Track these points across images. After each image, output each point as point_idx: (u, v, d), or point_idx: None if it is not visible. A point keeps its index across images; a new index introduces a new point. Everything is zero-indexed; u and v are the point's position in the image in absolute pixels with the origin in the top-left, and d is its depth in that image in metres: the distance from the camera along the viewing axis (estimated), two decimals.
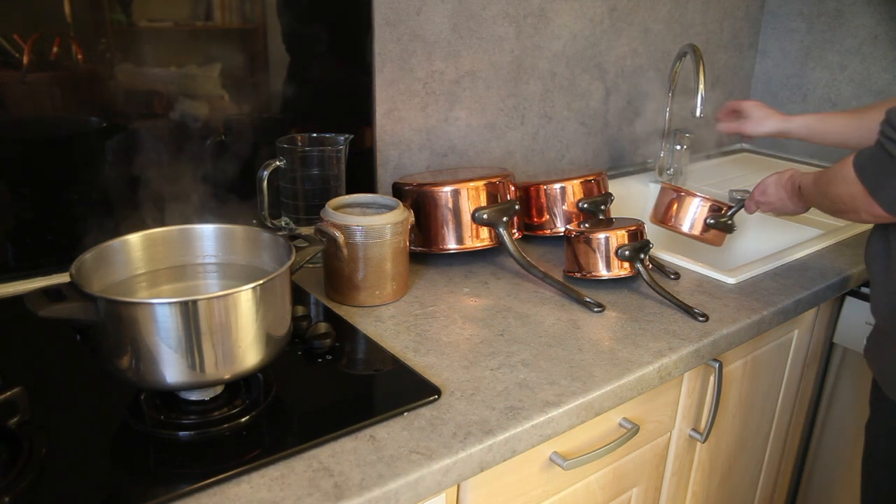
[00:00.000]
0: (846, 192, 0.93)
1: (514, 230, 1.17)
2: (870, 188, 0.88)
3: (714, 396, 1.05)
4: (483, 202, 1.12)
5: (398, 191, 1.16)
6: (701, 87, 1.41)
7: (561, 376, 0.85)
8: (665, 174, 1.67)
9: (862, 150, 0.91)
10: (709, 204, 1.27)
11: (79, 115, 1.03)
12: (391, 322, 0.97)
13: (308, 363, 0.86)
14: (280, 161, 1.10)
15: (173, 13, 1.07)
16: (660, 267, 1.17)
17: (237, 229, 0.85)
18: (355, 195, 1.08)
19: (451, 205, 1.12)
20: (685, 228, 1.29)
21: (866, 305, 1.29)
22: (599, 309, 1.03)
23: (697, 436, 1.09)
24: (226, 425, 0.72)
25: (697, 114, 1.42)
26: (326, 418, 0.75)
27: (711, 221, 1.27)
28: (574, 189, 1.25)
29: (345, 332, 0.93)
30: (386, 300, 1.03)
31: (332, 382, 0.83)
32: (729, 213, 1.28)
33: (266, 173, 1.08)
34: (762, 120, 1.36)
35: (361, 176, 1.30)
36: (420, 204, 1.13)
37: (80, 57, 1.00)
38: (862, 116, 1.22)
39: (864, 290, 1.29)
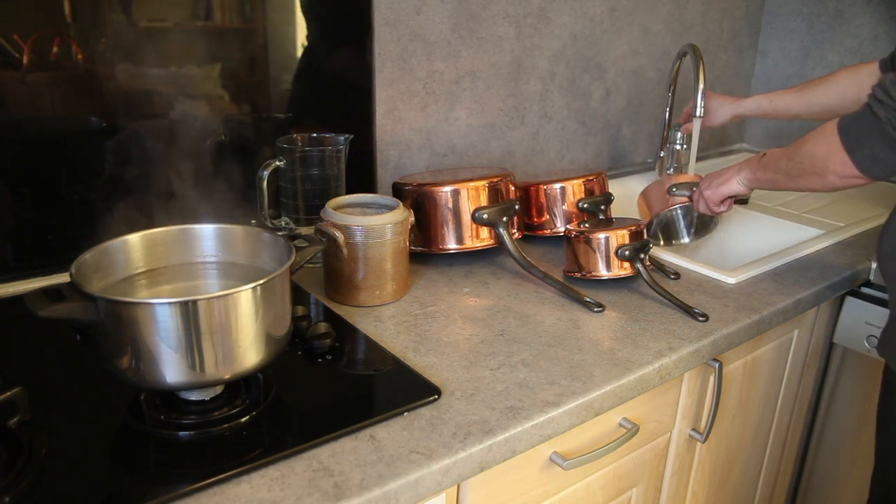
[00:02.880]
0: (822, 150, 0.95)
1: (514, 230, 1.17)
2: (848, 146, 0.91)
3: (714, 396, 1.05)
4: (483, 202, 1.12)
5: (398, 191, 1.16)
6: (701, 86, 1.41)
7: (561, 376, 0.85)
8: (665, 174, 1.67)
9: (849, 114, 0.93)
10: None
11: (79, 115, 1.03)
12: (391, 322, 0.97)
13: (308, 363, 0.86)
14: (280, 161, 1.10)
15: (173, 13, 1.07)
16: (660, 267, 1.17)
17: (237, 229, 0.85)
18: (355, 195, 1.08)
19: (451, 205, 1.12)
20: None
21: (866, 305, 1.29)
22: (599, 309, 1.03)
23: (697, 436, 1.09)
24: (226, 425, 0.72)
25: (698, 113, 1.43)
26: (326, 418, 0.75)
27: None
28: (574, 189, 1.24)
29: (345, 332, 0.93)
30: (386, 300, 1.03)
31: (332, 382, 0.83)
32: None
33: (266, 173, 1.08)
34: (717, 109, 1.46)
35: (361, 176, 1.30)
36: (420, 204, 1.13)
37: (80, 57, 1.00)
38: (806, 91, 1.34)
39: (865, 290, 1.29)
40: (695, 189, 1.22)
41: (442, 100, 1.40)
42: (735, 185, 1.14)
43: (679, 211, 1.31)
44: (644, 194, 1.32)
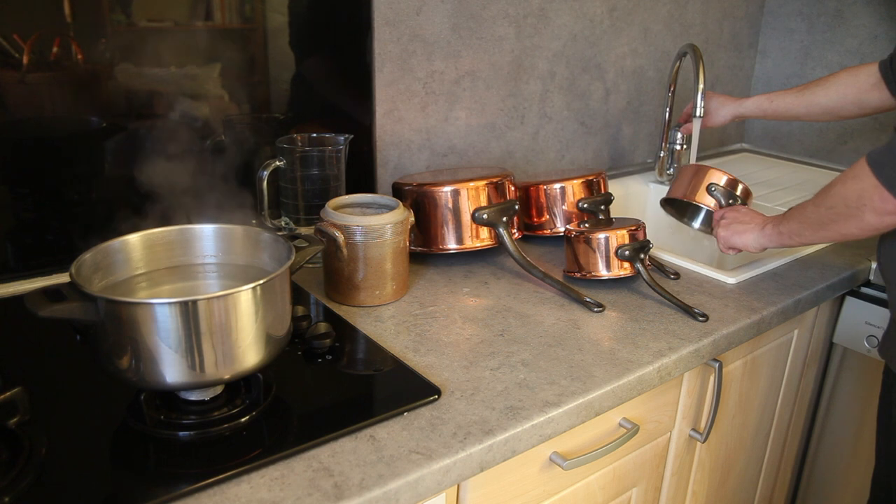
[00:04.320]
0: (854, 189, 0.90)
1: (514, 230, 1.17)
2: (885, 180, 0.86)
3: (714, 396, 1.05)
4: (483, 202, 1.12)
5: (398, 191, 1.16)
6: (701, 86, 1.41)
7: (561, 376, 0.85)
8: (665, 174, 1.67)
9: (876, 148, 0.89)
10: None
11: (79, 115, 1.03)
12: (391, 322, 0.97)
13: (308, 363, 0.86)
14: (280, 161, 1.10)
15: (173, 13, 1.07)
16: (660, 267, 1.17)
17: (237, 229, 0.85)
18: (355, 195, 1.08)
19: (451, 205, 1.12)
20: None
21: (866, 305, 1.29)
22: (599, 309, 1.03)
23: (697, 436, 1.09)
24: (226, 425, 0.72)
25: (698, 113, 1.42)
26: (326, 418, 0.75)
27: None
28: (574, 189, 1.24)
29: (345, 332, 0.93)
30: (386, 300, 1.03)
31: (332, 382, 0.83)
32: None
33: (266, 173, 1.08)
34: (718, 109, 1.46)
35: (361, 176, 1.30)
36: (420, 204, 1.13)
37: (80, 57, 1.00)
38: (806, 92, 1.33)
39: (865, 290, 1.29)
40: (724, 206, 1.21)
41: (442, 100, 1.40)
42: (751, 242, 1.10)
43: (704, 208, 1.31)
44: (684, 170, 1.31)
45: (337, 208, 1.03)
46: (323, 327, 0.88)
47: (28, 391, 0.69)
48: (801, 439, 1.46)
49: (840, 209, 0.93)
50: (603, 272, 1.09)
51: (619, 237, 1.08)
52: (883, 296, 1.26)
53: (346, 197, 1.07)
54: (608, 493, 0.98)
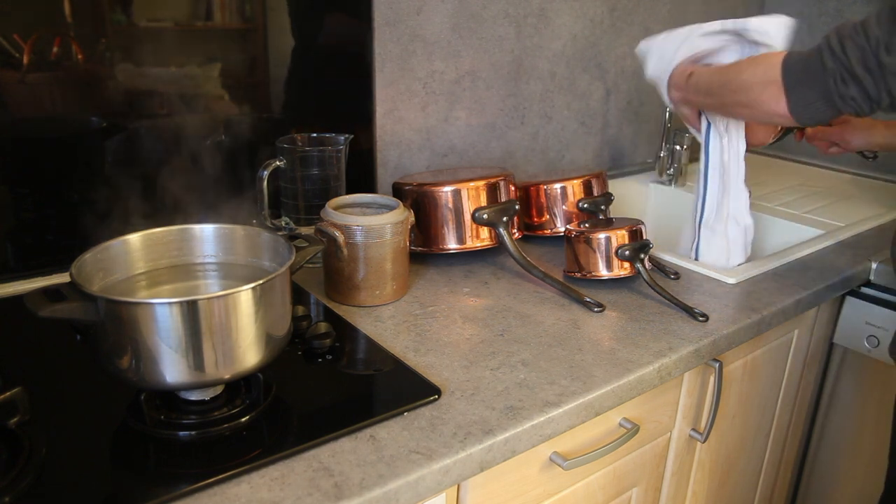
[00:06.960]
0: (760, 79, 0.92)
1: (515, 230, 1.17)
2: (787, 85, 0.88)
3: (714, 396, 1.05)
4: (483, 202, 1.12)
5: (398, 191, 1.16)
6: None
7: (561, 376, 0.85)
8: (665, 174, 1.67)
9: (795, 54, 0.90)
10: None
11: (79, 115, 1.03)
12: (391, 322, 0.97)
13: (308, 363, 0.86)
14: (280, 161, 1.10)
15: (173, 13, 1.07)
16: (660, 267, 1.17)
17: (237, 229, 0.85)
18: (355, 195, 1.08)
19: (451, 205, 1.12)
20: None
21: (866, 305, 1.29)
22: (599, 309, 1.03)
23: (697, 436, 1.09)
24: (226, 425, 0.72)
25: None
26: (326, 418, 0.75)
27: None
28: (574, 189, 1.24)
29: (345, 332, 0.93)
30: (386, 300, 1.03)
31: (332, 382, 0.83)
32: None
33: (266, 173, 1.08)
34: (865, 129, 1.34)
35: (361, 176, 1.30)
36: (420, 204, 1.13)
37: (80, 57, 1.00)
38: None
39: (865, 290, 1.29)
40: None
41: (442, 100, 1.40)
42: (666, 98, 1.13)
43: None
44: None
45: (337, 208, 1.03)
46: (323, 327, 0.88)
47: (28, 391, 0.69)
48: (801, 439, 1.46)
49: (738, 95, 0.96)
50: (603, 272, 1.09)
51: (619, 237, 1.08)
52: (883, 296, 1.26)
53: (346, 197, 1.07)
54: (608, 493, 0.98)
